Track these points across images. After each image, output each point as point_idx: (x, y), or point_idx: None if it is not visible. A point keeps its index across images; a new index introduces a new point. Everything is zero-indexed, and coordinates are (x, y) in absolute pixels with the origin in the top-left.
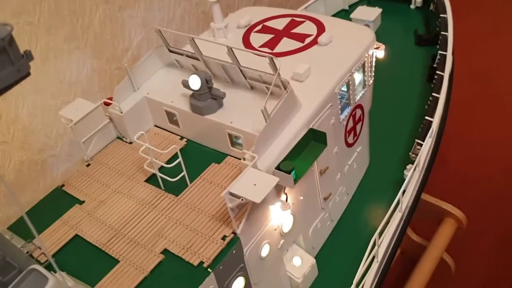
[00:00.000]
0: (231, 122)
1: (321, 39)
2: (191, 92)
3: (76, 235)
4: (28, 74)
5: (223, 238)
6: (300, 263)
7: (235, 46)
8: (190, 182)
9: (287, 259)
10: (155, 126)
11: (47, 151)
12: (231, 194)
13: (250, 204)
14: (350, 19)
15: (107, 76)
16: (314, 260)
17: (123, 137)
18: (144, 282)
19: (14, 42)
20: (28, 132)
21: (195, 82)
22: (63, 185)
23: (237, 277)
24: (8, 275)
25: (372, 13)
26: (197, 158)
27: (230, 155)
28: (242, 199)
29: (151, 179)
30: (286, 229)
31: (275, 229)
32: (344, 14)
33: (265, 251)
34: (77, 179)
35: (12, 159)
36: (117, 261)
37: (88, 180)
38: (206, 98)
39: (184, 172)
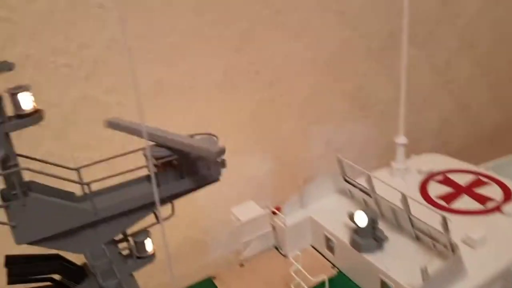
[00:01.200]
0: (387, 269)
1: (505, 207)
2: (354, 225)
3: None
4: (218, 180)
5: None
6: None
7: (412, 190)
8: None
9: None
10: (311, 246)
11: (210, 234)
12: None
13: None
14: None
15: (280, 180)
16: None
17: (280, 248)
18: None
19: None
20: (199, 212)
21: (361, 219)
22: (214, 277)
23: None
24: None
25: None
26: None
27: None
28: None
29: None
30: None
31: None
32: None
33: None
34: (228, 275)
35: (179, 233)
36: None
37: (237, 280)
38: (368, 237)
39: None
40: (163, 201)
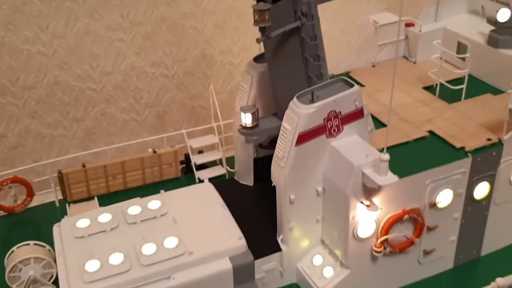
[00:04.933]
0: None
1: None
2: (488, 30)
3: None
4: None
5: (488, 139)
6: None
7: None
8: (464, 99)
9: None
10: (440, 58)
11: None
12: None
13: None
14: None
15: None
16: None
17: (409, 57)
18: (405, 144)
19: None
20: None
21: (503, 15)
22: (349, 71)
23: (484, 181)
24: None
25: None
26: (476, 88)
27: (506, 92)
28: None
29: (429, 89)
30: None
31: None
32: None
33: None
34: (361, 72)
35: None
36: (384, 125)
37: (369, 76)
38: (507, 34)
39: (464, 87)
40: None
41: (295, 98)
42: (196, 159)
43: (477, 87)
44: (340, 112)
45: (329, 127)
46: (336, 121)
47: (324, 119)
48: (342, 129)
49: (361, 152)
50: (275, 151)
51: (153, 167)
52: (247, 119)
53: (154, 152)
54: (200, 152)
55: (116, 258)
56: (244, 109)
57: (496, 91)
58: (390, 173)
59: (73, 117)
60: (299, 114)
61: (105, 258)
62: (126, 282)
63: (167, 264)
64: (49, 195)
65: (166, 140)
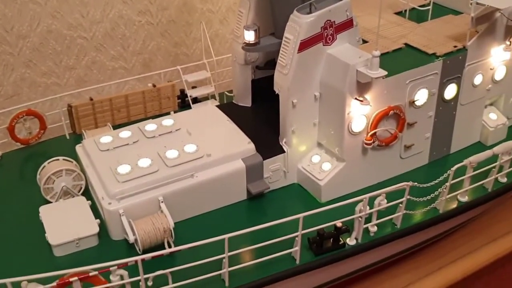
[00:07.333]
0: None
1: None
2: None
3: None
4: None
5: (455, 46)
6: None
7: None
8: (430, 20)
9: (485, 112)
10: None
11: None
12: (478, 4)
13: (489, 24)
14: None
15: None
16: None
17: None
18: (386, 54)
19: None
20: None
21: None
22: None
23: (452, 83)
24: None
25: None
26: (439, 12)
27: (465, 13)
28: (487, 5)
29: (399, 14)
30: (498, 77)
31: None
32: None
33: (478, 79)
34: None
35: None
36: (366, 42)
37: None
38: None
39: (430, 8)
40: None
41: (295, 11)
42: (191, 93)
43: (440, 11)
44: (334, 22)
45: (325, 35)
46: (331, 30)
47: (321, 28)
48: (336, 38)
49: (354, 55)
50: (278, 61)
51: (153, 101)
52: (250, 35)
53: (154, 86)
54: (194, 87)
55: (144, 162)
56: (247, 27)
57: (456, 13)
58: (380, 69)
59: (66, 66)
60: (301, 23)
61: (134, 163)
62: (157, 179)
63: (190, 165)
64: (57, 130)
65: (163, 76)
